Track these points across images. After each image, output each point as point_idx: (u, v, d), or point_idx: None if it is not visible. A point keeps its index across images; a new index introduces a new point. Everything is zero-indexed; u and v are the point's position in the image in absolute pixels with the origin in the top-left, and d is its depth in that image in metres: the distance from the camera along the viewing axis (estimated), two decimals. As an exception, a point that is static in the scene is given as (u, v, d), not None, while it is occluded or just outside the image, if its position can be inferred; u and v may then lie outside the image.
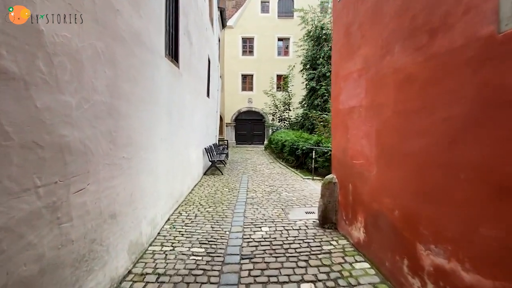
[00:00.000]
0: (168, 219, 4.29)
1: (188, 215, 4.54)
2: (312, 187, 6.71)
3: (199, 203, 5.26)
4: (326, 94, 14.82)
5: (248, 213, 4.65)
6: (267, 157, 13.88)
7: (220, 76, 16.73)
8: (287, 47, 21.49)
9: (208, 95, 9.38)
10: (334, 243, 3.40)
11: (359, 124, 3.04)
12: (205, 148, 8.35)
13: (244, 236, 3.65)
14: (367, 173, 2.84)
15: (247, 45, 21.40)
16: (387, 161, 2.49)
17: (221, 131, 19.58)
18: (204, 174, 8.28)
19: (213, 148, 10.16)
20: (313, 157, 7.86)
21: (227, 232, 3.81)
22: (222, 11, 14.21)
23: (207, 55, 9.08)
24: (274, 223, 4.19)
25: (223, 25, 15.87)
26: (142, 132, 3.19)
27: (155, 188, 3.71)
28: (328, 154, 7.71)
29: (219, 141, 14.43)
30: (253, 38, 21.22)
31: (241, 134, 21.54)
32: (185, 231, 3.85)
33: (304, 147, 8.96)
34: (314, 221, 4.23)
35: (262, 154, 15.51)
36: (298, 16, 16.42)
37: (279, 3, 21.31)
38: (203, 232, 3.81)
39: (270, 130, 18.73)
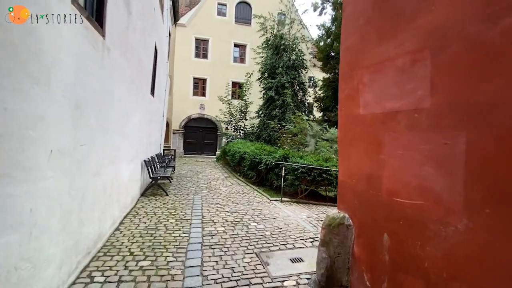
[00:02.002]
0: (65, 293, 2.41)
1: (106, 280, 2.70)
2: (285, 213, 5.41)
3: (129, 250, 3.40)
4: (287, 105, 14.16)
5: (208, 267, 3.04)
6: (221, 170, 12.25)
7: (169, 76, 14.66)
8: (243, 54, 20.55)
9: (152, 93, 7.45)
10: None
11: (413, 139, 1.84)
12: (145, 161, 6.38)
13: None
14: (439, 226, 1.62)
15: (201, 47, 19.75)
16: (507, 211, 1.30)
17: (166, 139, 17.21)
18: (142, 195, 6.26)
19: (156, 160, 8.14)
20: (282, 174, 6.62)
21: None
22: (175, 2, 12.40)
23: (154, 44, 7.23)
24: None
25: (175, 18, 13.99)
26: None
27: (36, 253, 1.88)
28: (299, 171, 6.59)
29: (164, 150, 12.24)
30: (207, 40, 19.71)
31: (190, 143, 19.42)
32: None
33: (268, 162, 7.70)
34: (309, 278, 2.88)
35: (214, 166, 13.80)
36: (258, 23, 15.61)
37: (236, 8, 20.40)
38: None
39: (224, 139, 17.18)
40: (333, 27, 17.14)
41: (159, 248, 3.47)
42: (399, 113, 1.97)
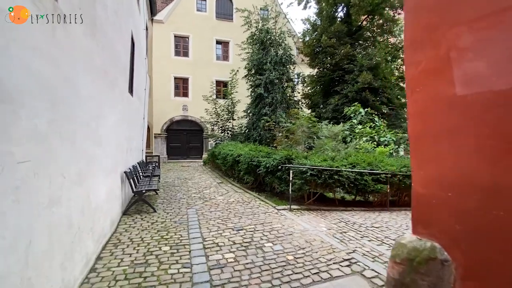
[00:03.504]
0: None
1: None
2: (300, 226, 4.57)
3: (110, 304, 2.41)
4: (278, 103, 13.39)
5: (228, 326, 2.13)
6: (211, 175, 11.24)
7: (148, 76, 13.40)
8: (226, 51, 19.56)
9: (131, 91, 6.34)
10: None
11: None
12: (126, 172, 5.29)
13: None
14: None
15: (181, 45, 18.55)
16: None
17: (148, 145, 15.85)
18: (125, 213, 5.17)
19: (138, 169, 7.02)
20: (290, 178, 5.77)
21: None
22: (151, -7, 11.20)
23: (131, 33, 6.13)
24: None
25: (152, 12, 12.76)
26: None
27: None
28: (308, 174, 5.79)
29: (146, 157, 11.01)
30: (187, 38, 18.55)
31: (174, 147, 18.16)
32: None
33: (268, 164, 6.82)
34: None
35: (203, 171, 12.75)
36: (241, 17, 14.70)
37: (217, 3, 19.37)
38: None
39: (212, 142, 16.13)
40: (319, 21, 16.65)
41: (153, 297, 2.50)
42: None
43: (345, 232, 4.42)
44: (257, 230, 4.33)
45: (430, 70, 1.79)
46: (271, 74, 13.47)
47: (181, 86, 18.44)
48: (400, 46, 15.95)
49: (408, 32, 1.97)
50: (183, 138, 18.47)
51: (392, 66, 15.63)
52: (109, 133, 4.14)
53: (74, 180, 2.60)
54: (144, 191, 5.51)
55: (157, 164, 10.67)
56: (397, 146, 10.63)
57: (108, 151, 4.10)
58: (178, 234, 4.14)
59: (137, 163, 7.42)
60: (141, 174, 7.20)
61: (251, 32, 14.43)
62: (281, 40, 14.41)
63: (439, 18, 1.74)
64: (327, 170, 5.86)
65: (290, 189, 5.77)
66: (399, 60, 16.17)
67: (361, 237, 4.22)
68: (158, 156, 12.05)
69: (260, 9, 16.14)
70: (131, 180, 5.45)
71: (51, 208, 2.10)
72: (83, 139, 2.90)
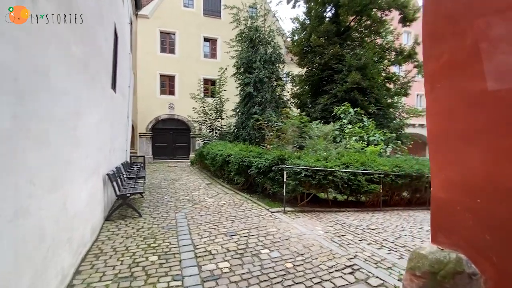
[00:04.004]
0: None
1: None
2: (296, 230, 4.37)
3: (90, 329, 2.10)
4: (267, 102, 13.20)
5: None
6: (199, 175, 10.89)
7: (133, 73, 12.82)
8: (214, 49, 19.15)
9: (114, 87, 5.92)
10: None
11: None
12: (108, 174, 4.90)
13: None
14: None
15: (167, 41, 17.98)
16: None
17: (132, 144, 15.22)
18: (108, 218, 4.79)
19: (122, 171, 6.61)
20: (285, 179, 5.57)
21: None
22: (135, -15, 10.68)
23: (114, 25, 5.71)
24: None
25: (137, 6, 12.21)
26: None
27: None
28: (302, 175, 5.61)
29: (131, 157, 10.50)
30: (174, 34, 18.00)
31: (160, 147, 17.58)
32: None
33: (260, 165, 6.59)
34: None
35: (190, 171, 12.37)
36: (230, 14, 14.39)
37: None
38: None
39: (200, 141, 15.71)
40: (308, 20, 16.61)
41: (141, 317, 2.21)
42: None
43: (342, 235, 4.27)
44: (252, 235, 4.09)
45: (455, 63, 1.62)
46: (260, 73, 13.27)
47: (167, 84, 17.87)
48: (387, 47, 16.21)
49: (427, 22, 1.79)
50: (169, 137, 17.92)
51: (379, 67, 15.81)
52: (90, 133, 3.76)
53: (47, 187, 2.26)
54: (128, 195, 5.13)
55: (142, 164, 10.19)
56: (385, 146, 10.71)
57: (89, 152, 3.73)
58: (167, 242, 3.83)
59: (121, 164, 6.99)
60: (125, 176, 6.78)
61: (240, 29, 14.16)
62: (270, 39, 14.23)
63: (464, 6, 1.58)
64: (322, 170, 5.71)
65: (284, 191, 5.56)
66: (385, 61, 16.40)
67: (360, 240, 4.08)
68: (143, 156, 11.53)
69: (249, 6, 15.91)
70: (115, 183, 5.07)
71: (17, 221, 1.77)
72: (58, 139, 2.55)
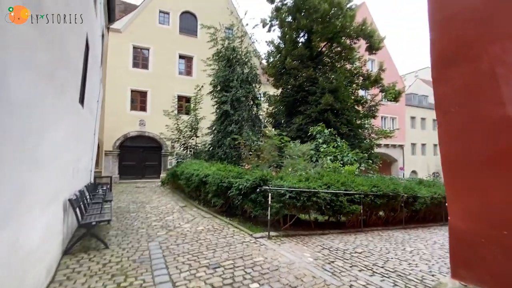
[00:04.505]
0: None
1: None
2: (285, 258, 4.08)
3: None
4: (244, 120, 13.10)
5: None
6: (171, 197, 10.20)
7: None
8: (190, 67, 18.96)
9: (82, 101, 5.38)
10: None
11: None
12: (70, 200, 4.26)
13: None
14: None
15: (140, 56, 17.47)
16: None
17: (96, 163, 14.02)
18: (67, 252, 4.09)
19: (86, 194, 5.88)
20: (269, 202, 5.31)
21: None
22: (109, -2, 10.27)
23: (86, 35, 5.28)
24: None
25: (110, 19, 11.73)
26: None
27: None
28: (286, 196, 5.42)
29: (95, 178, 9.54)
30: (148, 50, 17.57)
31: (127, 166, 16.45)
32: None
33: (241, 186, 6.29)
34: None
35: (162, 192, 11.60)
36: (207, 33, 14.44)
37: (181, 18, 18.94)
38: None
39: (174, 160, 14.96)
40: (283, 44, 17.28)
41: None
42: None
43: (332, 261, 4.07)
44: (238, 267, 3.72)
45: (469, 88, 1.60)
46: (237, 92, 13.25)
47: (139, 100, 17.12)
48: (356, 72, 17.31)
49: (436, 46, 1.78)
50: (138, 155, 16.88)
51: (349, 90, 16.73)
52: (53, 153, 3.25)
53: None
54: (94, 223, 4.49)
55: (108, 186, 9.29)
56: (359, 165, 11.04)
57: (50, 175, 3.19)
58: (140, 279, 3.32)
59: (85, 186, 6.24)
60: (89, 200, 6.03)
61: (217, 49, 14.21)
62: (247, 59, 14.44)
63: (477, 31, 1.58)
64: (306, 192, 5.58)
65: (268, 214, 5.29)
66: (354, 85, 17.43)
67: (350, 266, 3.92)
68: (111, 177, 10.57)
69: (226, 28, 16.18)
70: (77, 209, 4.41)
71: None
72: (14, 162, 2.09)
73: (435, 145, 31.72)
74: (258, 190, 5.73)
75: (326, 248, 4.73)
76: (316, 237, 5.49)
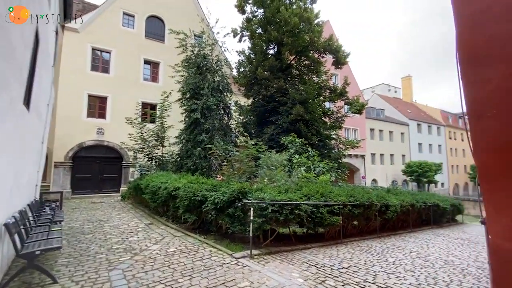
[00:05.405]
0: None
1: None
2: (273, 281, 3.66)
3: None
4: (215, 130, 12.57)
5: None
6: (134, 213, 9.19)
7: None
8: (156, 73, 17.97)
9: (27, 103, 4.49)
10: None
11: None
12: (6, 224, 3.38)
13: None
14: None
15: (100, 59, 16.11)
16: None
17: (44, 176, 12.24)
18: (-3, 292, 3.19)
19: (29, 215, 4.88)
20: (251, 217, 4.88)
21: None
22: (66, -8, 9.22)
23: (36, 27, 4.47)
24: None
25: (66, 15, 10.54)
26: None
27: None
28: (269, 210, 5.06)
29: (42, 194, 8.18)
30: (109, 52, 16.28)
31: (82, 179, 14.72)
32: None
33: (217, 200, 5.77)
34: None
35: (122, 208, 10.45)
36: (176, 39, 13.83)
37: (147, 22, 18.03)
38: None
39: (136, 171, 13.72)
40: (253, 54, 17.31)
41: None
42: None
43: (323, 281, 3.77)
44: (221, 296, 3.22)
45: (509, 89, 1.43)
46: (208, 100, 12.76)
47: (97, 106, 15.60)
48: (323, 85, 17.95)
49: (464, 45, 1.62)
50: (95, 167, 15.23)
51: (317, 102, 17.24)
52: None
53: None
54: (37, 252, 3.62)
55: (58, 203, 8.01)
56: (330, 174, 11.18)
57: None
58: (101, 323, 2.65)
59: (28, 205, 5.19)
60: (32, 222, 5.00)
61: (187, 55, 13.65)
62: (218, 67, 14.09)
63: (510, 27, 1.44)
64: (288, 204, 5.29)
65: (251, 230, 4.85)
66: (321, 97, 18.02)
67: (343, 285, 3.65)
68: (61, 192, 9.19)
69: (196, 36, 15.73)
70: (16, 236, 3.53)
71: None
72: None
73: (391, 155, 34.25)
74: (237, 204, 5.28)
75: (312, 265, 4.43)
76: (299, 253, 5.19)
